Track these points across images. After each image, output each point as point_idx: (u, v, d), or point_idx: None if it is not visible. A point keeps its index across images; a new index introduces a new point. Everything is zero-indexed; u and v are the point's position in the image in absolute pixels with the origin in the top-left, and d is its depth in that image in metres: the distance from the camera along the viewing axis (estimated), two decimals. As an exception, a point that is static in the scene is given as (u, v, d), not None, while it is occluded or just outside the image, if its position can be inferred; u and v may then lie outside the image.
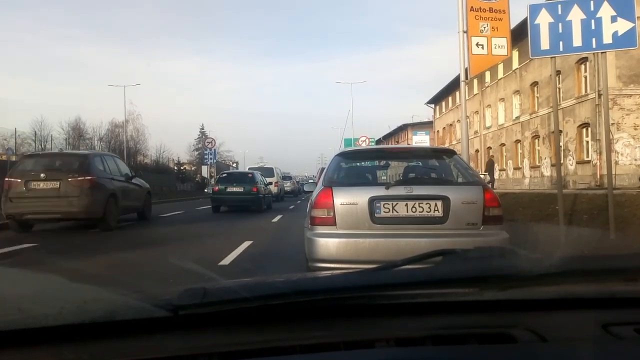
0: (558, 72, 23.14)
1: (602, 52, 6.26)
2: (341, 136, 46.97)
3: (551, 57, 5.99)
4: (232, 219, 12.33)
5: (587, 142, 20.89)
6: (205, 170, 54.16)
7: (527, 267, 0.98)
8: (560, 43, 5.82)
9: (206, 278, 2.11)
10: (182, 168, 61.58)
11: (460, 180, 4.23)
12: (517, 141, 27.78)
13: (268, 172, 22.79)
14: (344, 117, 66.63)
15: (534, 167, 25.85)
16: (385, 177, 5.57)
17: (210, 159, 35.10)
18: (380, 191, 3.81)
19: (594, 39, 5.74)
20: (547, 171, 24.32)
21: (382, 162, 5.27)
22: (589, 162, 20.58)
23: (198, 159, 57.47)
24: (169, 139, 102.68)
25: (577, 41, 5.78)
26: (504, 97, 29.58)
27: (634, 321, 0.91)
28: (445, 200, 3.74)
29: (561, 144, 23.14)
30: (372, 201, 3.76)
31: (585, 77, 21.01)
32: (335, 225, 3.76)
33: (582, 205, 8.78)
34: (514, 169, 28.33)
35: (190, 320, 0.87)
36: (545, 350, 0.86)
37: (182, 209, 16.07)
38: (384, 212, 3.77)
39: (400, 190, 3.80)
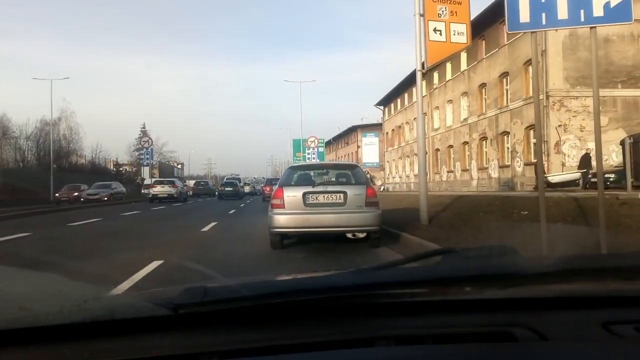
0: (506, 73, 23.04)
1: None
2: (291, 137, 45.88)
3: (531, 32, 4.94)
4: (153, 227, 10.81)
5: (535, 143, 20.76)
6: (146, 172, 51.22)
7: (527, 266, 1.04)
8: (543, 15, 4.81)
9: (207, 277, 2.09)
10: (120, 169, 58.01)
11: (355, 182, 6.78)
12: (465, 143, 27.64)
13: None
14: (294, 118, 65.54)
15: (481, 169, 25.71)
16: (321, 179, 7.66)
17: (147, 159, 32.51)
18: (310, 188, 6.44)
19: (582, 11, 4.77)
20: (494, 173, 24.18)
21: (316, 172, 7.90)
22: (536, 163, 20.45)
23: (139, 160, 54.18)
24: (108, 138, 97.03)
25: (562, 13, 4.78)
26: (452, 98, 29.41)
27: (634, 320, 0.90)
28: (345, 193, 6.35)
29: (508, 145, 23.05)
30: (305, 194, 6.34)
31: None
32: (285, 208, 6.29)
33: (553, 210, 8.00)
34: (462, 170, 28.17)
35: (191, 319, 0.87)
36: (545, 348, 0.86)
37: (104, 215, 14.12)
38: (311, 200, 6.34)
39: (321, 188, 6.51)
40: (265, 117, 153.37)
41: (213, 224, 10.43)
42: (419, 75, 8.17)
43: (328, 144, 61.50)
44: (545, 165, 19.53)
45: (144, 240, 7.98)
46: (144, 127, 63.92)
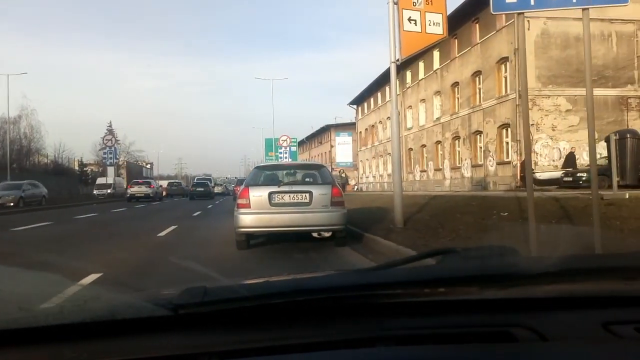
0: (478, 72, 22.89)
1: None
2: (263, 136, 44.96)
3: (517, 14, 4.43)
4: (105, 231, 9.90)
5: (508, 142, 20.66)
6: (111, 172, 49.22)
7: (528, 266, 1.03)
8: (531, -7, 4.28)
9: (207, 277, 2.08)
10: (85, 169, 55.65)
11: (320, 182, 6.82)
12: (438, 142, 27.46)
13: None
14: (267, 117, 64.49)
15: (454, 169, 25.54)
16: (287, 179, 7.54)
17: (111, 158, 30.99)
18: (275, 188, 6.44)
19: (574, -9, 4.27)
20: (467, 172, 24.03)
21: (283, 172, 7.80)
22: (509, 162, 20.34)
23: (103, 160, 52.09)
24: (73, 137, 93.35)
25: (553, -8, 4.27)
26: (425, 97, 29.22)
27: (634, 320, 0.90)
28: (310, 193, 6.37)
29: (481, 144, 22.91)
30: (270, 194, 6.35)
31: (506, 78, 20.79)
32: (250, 207, 6.32)
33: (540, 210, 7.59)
34: (435, 170, 27.98)
35: (191, 319, 0.86)
36: (545, 349, 0.86)
37: (56, 219, 13.08)
38: (277, 199, 6.34)
39: (286, 188, 6.50)
40: (238, 116, 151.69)
41: (172, 227, 9.63)
42: (392, 68, 7.62)
43: (301, 143, 60.80)
44: (518, 165, 19.43)
45: (85, 249, 7.12)
46: (110, 126, 61.95)
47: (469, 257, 1.10)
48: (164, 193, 36.75)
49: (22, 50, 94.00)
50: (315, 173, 7.25)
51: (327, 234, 6.63)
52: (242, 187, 6.76)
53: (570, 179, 16.40)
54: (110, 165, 31.07)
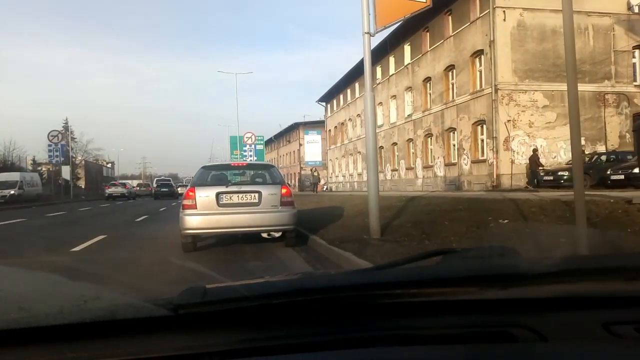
0: (452, 67, 21.87)
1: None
2: (229, 134, 42.93)
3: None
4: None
5: (483, 140, 19.70)
6: (66, 171, 46.13)
7: (528, 267, 1.01)
8: None
9: (207, 277, 2.08)
10: (39, 168, 52.15)
11: (269, 182, 6.88)
12: (410, 140, 26.45)
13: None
14: (234, 116, 62.34)
15: (427, 167, 24.54)
16: (236, 179, 7.38)
17: (57, 156, 28.42)
18: (223, 188, 6.34)
19: None
20: (440, 171, 23.04)
21: (231, 172, 7.64)
22: (484, 161, 19.40)
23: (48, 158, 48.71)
24: (27, 136, 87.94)
25: None
26: (395, 94, 28.15)
27: (635, 320, 0.90)
28: (259, 193, 6.35)
29: (455, 142, 21.94)
30: (218, 194, 6.24)
31: (481, 72, 19.84)
32: (197, 208, 6.15)
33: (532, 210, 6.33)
34: (407, 169, 26.98)
35: (191, 319, 0.86)
36: (545, 349, 0.86)
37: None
38: (225, 200, 6.26)
39: (235, 188, 6.44)
40: (204, 115, 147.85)
41: (100, 237, 7.95)
42: (366, 40, 6.23)
43: (269, 142, 59.03)
44: (495, 163, 18.49)
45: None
46: (66, 123, 58.37)
47: (469, 257, 1.09)
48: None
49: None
50: (265, 173, 7.18)
51: (277, 234, 6.56)
52: (188, 187, 6.68)
53: (551, 177, 15.52)
54: (55, 163, 28.40)
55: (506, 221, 5.71)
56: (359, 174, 35.46)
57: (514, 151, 18.42)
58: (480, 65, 19.85)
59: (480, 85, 19.74)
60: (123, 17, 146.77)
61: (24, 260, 5.88)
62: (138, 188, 45.29)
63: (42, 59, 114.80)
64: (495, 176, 18.44)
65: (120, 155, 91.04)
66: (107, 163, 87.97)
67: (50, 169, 46.34)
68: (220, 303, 0.87)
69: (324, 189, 38.94)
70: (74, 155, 55.82)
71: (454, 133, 22.00)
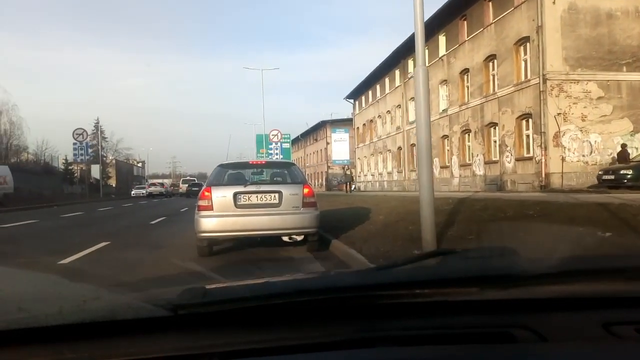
0: (492, 56, 20.20)
1: None
2: (255, 132, 42.07)
3: None
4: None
5: (529, 135, 17.98)
6: (95, 170, 46.20)
7: (528, 267, 1.02)
8: None
9: (207, 278, 2.05)
10: (71, 168, 52.61)
11: (290, 181, 6.50)
12: (445, 137, 24.80)
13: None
14: (259, 115, 61.70)
15: (464, 166, 22.88)
16: (254, 179, 6.99)
17: (82, 155, 28.03)
18: (241, 188, 5.96)
19: None
20: (479, 170, 21.36)
21: (249, 170, 7.20)
22: (530, 158, 17.68)
23: (93, 158, 49.08)
24: (58, 136, 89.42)
25: None
26: (429, 88, 26.49)
27: (635, 321, 0.91)
28: (279, 193, 5.95)
29: (496, 138, 20.26)
30: (236, 194, 5.88)
31: (526, 61, 18.12)
32: (213, 209, 5.81)
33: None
34: (441, 167, 25.31)
35: (191, 320, 0.86)
36: (545, 349, 0.86)
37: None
38: (243, 200, 5.89)
39: (253, 188, 6.01)
40: (231, 114, 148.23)
41: (101, 245, 6.89)
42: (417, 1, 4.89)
43: (296, 141, 58.06)
44: (543, 161, 16.77)
45: None
46: (97, 122, 58.88)
47: (469, 257, 1.09)
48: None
49: (7, 46, 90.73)
50: (285, 172, 6.83)
51: (299, 238, 6.15)
52: (204, 187, 6.26)
53: (612, 177, 13.77)
54: (80, 162, 28.04)
55: (608, 234, 4.27)
56: (389, 173, 33.97)
57: (564, 147, 16.66)
58: (526, 54, 18.13)
59: (526, 76, 18.03)
60: (153, 19, 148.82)
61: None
62: (172, 187, 49.50)
63: (75, 60, 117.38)
64: (543, 175, 16.72)
65: (150, 155, 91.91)
66: (138, 162, 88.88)
67: (83, 168, 46.79)
68: (220, 303, 0.87)
69: (352, 189, 37.59)
70: (105, 155, 56.38)
71: (495, 128, 20.30)
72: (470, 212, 6.92)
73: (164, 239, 8.00)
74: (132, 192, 44.71)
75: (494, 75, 20.45)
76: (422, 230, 4.74)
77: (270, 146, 30.34)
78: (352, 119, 44.70)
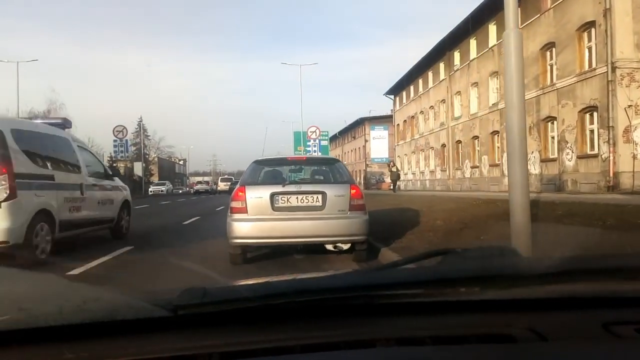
0: (551, 44, 18.52)
1: None
2: (293, 130, 41.44)
3: None
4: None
5: (593, 130, 16.27)
6: (138, 167, 46.89)
7: (528, 267, 1.04)
8: None
9: (207, 278, 1.98)
10: (114, 165, 53.83)
11: (335, 180, 5.81)
12: (495, 133, 23.19)
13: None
14: (297, 114, 61.32)
15: (516, 164, 21.21)
16: (294, 177, 6.76)
17: (122, 152, 28.09)
18: (279, 188, 5.29)
19: None
20: (534, 168, 19.68)
21: (288, 167, 6.73)
22: (595, 156, 15.97)
23: (136, 155, 49.97)
24: (102, 134, 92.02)
25: None
26: (477, 81, 24.92)
27: (635, 320, 0.91)
28: (323, 194, 5.26)
29: (554, 134, 18.57)
30: (273, 195, 5.21)
31: (590, 48, 16.40)
32: (247, 212, 5.17)
33: None
34: (490, 165, 23.72)
35: (190, 320, 0.86)
36: (545, 349, 0.86)
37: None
38: (281, 202, 5.23)
39: (293, 188, 5.34)
40: (271, 112, 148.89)
41: (124, 249, 6.13)
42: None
43: (334, 138, 57.12)
44: (611, 159, 15.07)
45: None
46: (140, 120, 59.98)
47: (469, 257, 1.10)
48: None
49: (57, 47, 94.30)
50: (329, 169, 6.19)
51: (345, 246, 5.44)
52: (237, 186, 5.58)
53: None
54: (122, 159, 28.13)
55: None
56: (431, 172, 32.47)
57: (636, 144, 14.90)
58: (590, 40, 16.42)
59: (590, 65, 16.32)
60: (195, 20, 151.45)
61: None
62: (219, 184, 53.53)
63: (121, 61, 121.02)
64: (611, 174, 15.02)
65: (191, 153, 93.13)
66: (179, 160, 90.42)
67: (128, 166, 47.69)
68: (220, 304, 0.87)
69: (391, 188, 36.25)
70: (147, 153, 57.37)
71: (553, 123, 18.62)
72: (555, 219, 5.69)
73: (193, 244, 7.17)
74: (150, 190, 43.30)
75: (552, 65, 18.77)
76: (513, 244, 3.63)
77: (308, 143, 29.52)
78: (391, 115, 43.35)
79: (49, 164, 5.94)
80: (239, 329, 0.87)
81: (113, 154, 30.28)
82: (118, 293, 1.01)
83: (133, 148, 54.70)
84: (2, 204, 4.91)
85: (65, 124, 7.85)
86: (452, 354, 0.83)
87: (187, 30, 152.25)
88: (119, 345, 0.82)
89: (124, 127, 27.68)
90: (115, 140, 27.53)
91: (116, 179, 8.35)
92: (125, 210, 8.19)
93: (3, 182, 4.93)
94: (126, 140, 28.22)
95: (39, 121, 7.81)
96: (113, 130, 26.95)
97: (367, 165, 47.68)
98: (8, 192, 4.94)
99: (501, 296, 0.95)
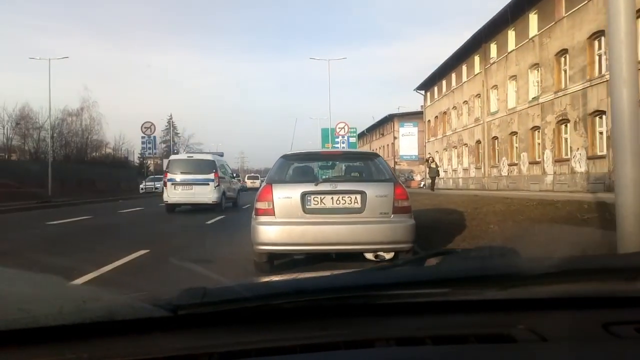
0: (599, 33, 17.15)
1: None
2: (320, 127, 40.78)
3: None
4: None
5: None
6: (167, 164, 47.22)
7: (527, 267, 1.02)
8: None
9: (206, 278, 1.97)
10: (145, 161, 54.49)
11: (376, 178, 5.04)
12: (535, 128, 21.85)
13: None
14: (324, 111, 60.60)
15: (559, 161, 19.90)
16: (328, 174, 6.10)
17: (150, 149, 28.00)
18: (310, 187, 4.60)
19: None
20: (580, 166, 18.36)
21: (320, 163, 5.97)
22: (652, 153, 14.59)
23: (165, 152, 50.45)
24: (133, 131, 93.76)
25: None
26: (515, 74, 23.59)
27: (635, 320, 0.91)
28: (362, 194, 4.56)
29: (603, 129, 17.24)
30: (304, 195, 4.56)
31: (647, 35, 15.01)
32: (274, 215, 4.54)
33: None
34: (530, 163, 22.40)
35: (190, 320, 0.86)
36: (545, 349, 0.86)
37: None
38: (314, 204, 4.57)
39: (327, 187, 4.61)
40: (299, 109, 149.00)
41: (139, 254, 5.53)
42: None
43: (362, 135, 56.17)
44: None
45: None
46: (170, 118, 60.50)
47: (469, 257, 1.08)
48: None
49: (87, 45, 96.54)
50: (367, 166, 5.50)
51: (387, 256, 4.64)
52: (263, 184, 4.99)
53: None
54: (150, 157, 28.06)
55: None
56: (465, 170, 31.21)
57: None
58: (647, 26, 15.03)
59: (647, 53, 14.93)
60: (224, 19, 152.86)
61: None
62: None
63: (152, 60, 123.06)
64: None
65: (220, 150, 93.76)
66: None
67: (158, 162, 47.99)
68: (219, 304, 0.87)
69: (421, 186, 35.12)
70: (177, 149, 57.82)
71: (601, 117, 17.27)
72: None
73: (215, 247, 6.53)
74: (141, 187, 33.50)
75: (600, 55, 17.39)
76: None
77: (336, 140, 28.75)
78: (421, 112, 42.13)
79: (223, 173, 14.78)
80: (239, 329, 0.87)
81: (142, 150, 30.18)
82: (118, 293, 0.98)
83: (163, 145, 55.23)
84: (215, 187, 13.58)
85: (221, 154, 13.83)
86: (452, 354, 0.82)
87: (217, 29, 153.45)
88: (119, 346, 0.82)
89: (152, 124, 27.56)
90: (143, 137, 27.48)
91: (235, 179, 17.49)
92: (239, 193, 17.53)
93: (215, 179, 13.58)
94: (154, 137, 28.11)
95: (214, 152, 19.31)
96: (141, 127, 26.91)
97: (395, 163, 46.63)
98: (217, 183, 13.64)
99: (501, 296, 0.95)
